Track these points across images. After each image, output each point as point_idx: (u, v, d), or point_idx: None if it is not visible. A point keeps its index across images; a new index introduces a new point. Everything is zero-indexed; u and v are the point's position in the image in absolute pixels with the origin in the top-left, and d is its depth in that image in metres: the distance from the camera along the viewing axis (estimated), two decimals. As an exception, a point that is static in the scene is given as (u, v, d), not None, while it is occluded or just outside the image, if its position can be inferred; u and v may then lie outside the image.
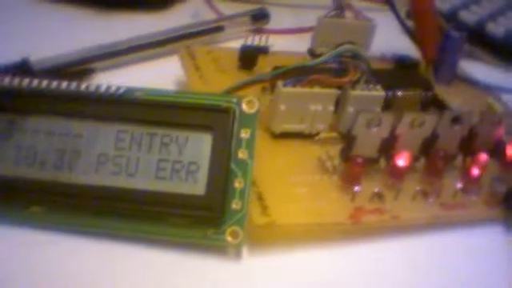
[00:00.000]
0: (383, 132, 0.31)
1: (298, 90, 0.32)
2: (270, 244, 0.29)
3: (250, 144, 0.28)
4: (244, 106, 0.29)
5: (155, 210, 0.28)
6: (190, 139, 0.28)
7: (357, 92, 0.33)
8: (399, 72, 0.41)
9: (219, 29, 0.45)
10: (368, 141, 0.31)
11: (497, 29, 0.48)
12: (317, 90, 0.32)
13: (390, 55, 0.43)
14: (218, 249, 0.28)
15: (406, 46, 0.43)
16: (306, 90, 0.32)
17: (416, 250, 0.30)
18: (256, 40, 0.40)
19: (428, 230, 0.31)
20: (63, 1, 0.48)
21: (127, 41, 0.41)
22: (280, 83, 0.32)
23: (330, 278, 0.28)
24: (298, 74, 0.33)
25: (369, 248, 0.30)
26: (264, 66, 0.38)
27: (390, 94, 0.35)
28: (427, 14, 0.40)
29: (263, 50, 0.39)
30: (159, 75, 0.39)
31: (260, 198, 0.29)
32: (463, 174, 0.33)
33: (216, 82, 0.36)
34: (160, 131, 0.28)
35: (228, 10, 0.48)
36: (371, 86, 0.34)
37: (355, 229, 0.30)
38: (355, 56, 0.33)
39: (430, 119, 0.31)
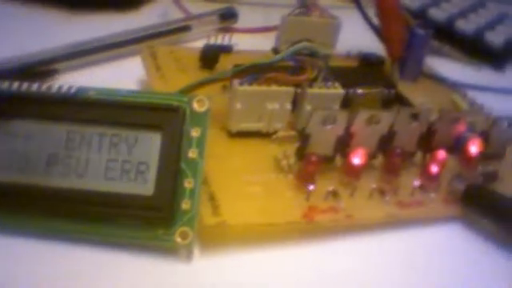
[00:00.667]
0: (338, 130, 0.30)
1: (255, 88, 0.32)
2: (223, 244, 0.29)
3: (201, 143, 0.28)
4: (195, 105, 0.29)
5: (105, 211, 0.27)
6: (139, 139, 0.28)
7: (314, 90, 0.33)
8: (363, 70, 0.41)
9: (186, 28, 0.44)
10: (323, 139, 0.30)
11: (466, 26, 0.48)
12: (273, 88, 0.32)
13: (356, 53, 0.42)
14: (168, 250, 0.28)
15: (372, 44, 0.43)
16: (263, 88, 0.32)
17: (373, 248, 0.30)
18: (220, 39, 0.39)
19: (386, 229, 0.31)
20: (31, 1, 0.48)
21: (91, 41, 0.41)
22: (236, 82, 0.32)
23: (283, 278, 0.28)
24: (255, 72, 0.33)
25: (324, 247, 0.29)
26: (226, 65, 0.37)
27: (349, 91, 0.34)
28: (392, 12, 0.40)
29: (226, 49, 0.39)
30: (123, 75, 0.39)
31: (212, 197, 0.29)
32: (422, 172, 0.33)
33: (176, 81, 0.36)
34: (109, 131, 0.28)
35: (197, 9, 0.48)
36: (329, 83, 0.33)
37: (309, 228, 0.29)
38: (312, 54, 0.33)
39: (386, 116, 0.31)
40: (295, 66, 0.33)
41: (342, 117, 0.30)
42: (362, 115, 0.30)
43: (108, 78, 0.38)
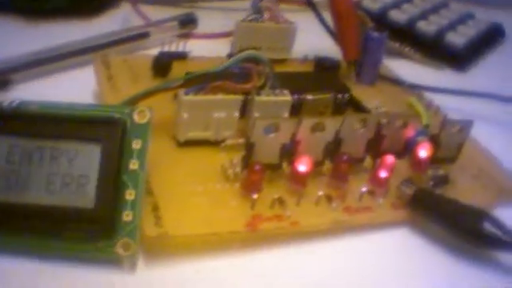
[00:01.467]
0: (283, 138, 0.30)
1: (200, 97, 0.32)
2: (167, 254, 0.29)
3: (142, 155, 0.28)
4: (135, 117, 0.28)
5: (47, 224, 0.27)
6: (79, 152, 0.28)
7: (262, 98, 0.33)
8: (319, 74, 0.40)
9: (144, 35, 0.44)
10: (267, 147, 0.30)
11: (427, 27, 0.48)
12: (219, 97, 0.32)
13: (313, 57, 0.42)
14: (112, 261, 0.28)
15: (330, 48, 0.43)
16: (209, 97, 0.32)
17: (320, 255, 0.30)
18: (175, 46, 0.39)
19: (334, 235, 0.31)
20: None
21: (47, 50, 0.41)
22: (181, 92, 0.32)
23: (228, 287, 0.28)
24: (202, 81, 0.33)
25: (270, 255, 0.29)
26: (180, 73, 0.37)
27: (298, 98, 0.34)
28: (346, 14, 0.40)
29: (180, 56, 0.39)
30: (79, 85, 0.39)
31: (155, 208, 0.29)
32: (371, 177, 0.33)
33: (128, 91, 0.35)
34: (50, 144, 0.28)
35: (159, 15, 0.48)
36: (277, 90, 0.33)
37: (252, 237, 0.29)
38: (258, 61, 0.32)
39: (330, 124, 0.31)
40: (241, 73, 0.33)
41: (286, 125, 0.30)
42: (307, 123, 0.30)
43: (63, 88, 0.38)
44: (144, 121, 0.29)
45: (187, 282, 0.28)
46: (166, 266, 0.28)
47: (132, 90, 0.34)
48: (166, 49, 0.40)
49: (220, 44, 0.45)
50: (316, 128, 0.30)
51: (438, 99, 0.42)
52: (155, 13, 0.48)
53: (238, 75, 0.33)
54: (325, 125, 0.31)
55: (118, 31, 0.44)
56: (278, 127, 0.30)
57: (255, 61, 0.33)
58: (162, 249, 0.28)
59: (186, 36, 0.46)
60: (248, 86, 0.32)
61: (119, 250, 0.27)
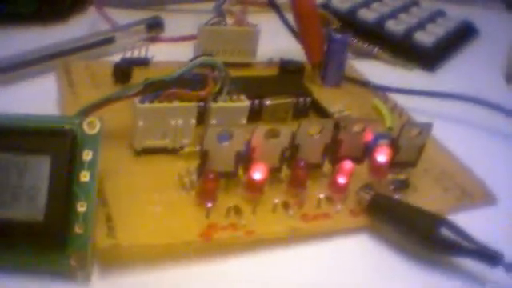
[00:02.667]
0: (237, 145, 0.30)
1: (155, 105, 0.32)
2: (122, 265, 0.28)
3: (93, 166, 0.28)
4: (85, 128, 0.28)
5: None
6: (28, 164, 0.28)
7: (218, 104, 0.33)
8: (281, 78, 0.40)
9: (109, 40, 0.44)
10: (222, 155, 0.30)
11: (396, 26, 0.48)
12: (175, 104, 0.32)
13: (278, 60, 0.42)
14: (65, 274, 0.27)
15: (296, 50, 0.43)
16: (164, 105, 0.32)
17: (278, 263, 0.30)
18: (138, 52, 0.39)
19: (292, 243, 0.31)
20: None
21: (9, 57, 0.40)
22: (136, 100, 0.32)
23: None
24: (160, 88, 0.32)
25: (225, 264, 0.29)
26: (141, 79, 0.37)
27: (257, 103, 0.34)
28: (308, 16, 0.40)
29: (142, 62, 0.39)
30: (41, 93, 0.39)
31: (108, 219, 0.29)
32: (330, 183, 0.32)
33: (88, 98, 0.35)
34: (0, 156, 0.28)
35: (126, 19, 0.47)
36: (235, 96, 0.33)
37: (208, 246, 0.29)
38: (213, 67, 0.32)
39: (284, 130, 0.30)
40: (197, 80, 0.32)
41: (239, 132, 0.30)
42: (260, 130, 0.30)
43: (27, 96, 0.38)
44: (94, 131, 0.28)
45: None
46: (120, 276, 0.28)
47: (93, 97, 0.34)
48: (129, 54, 0.40)
49: (187, 48, 0.44)
50: (270, 134, 0.30)
51: (404, 100, 0.42)
52: (122, 17, 0.48)
53: (194, 82, 0.33)
54: (279, 131, 0.30)
55: (84, 37, 0.44)
56: (231, 134, 0.29)
57: (211, 66, 0.32)
58: (117, 260, 0.28)
59: (152, 40, 0.45)
60: (203, 92, 0.32)
61: (72, 262, 0.27)
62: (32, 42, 0.42)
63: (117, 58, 0.41)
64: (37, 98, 0.38)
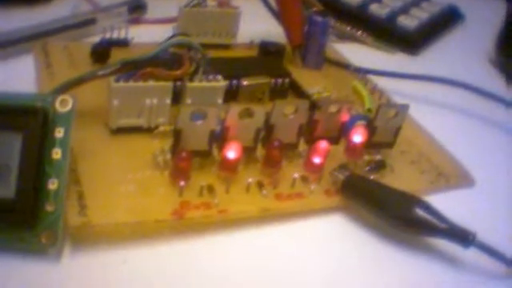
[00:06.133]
0: (210, 124, 0.30)
1: (131, 84, 0.32)
2: (94, 243, 0.28)
3: (64, 144, 0.28)
4: (57, 105, 0.28)
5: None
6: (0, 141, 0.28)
7: (194, 84, 0.33)
8: (261, 59, 0.40)
9: (91, 22, 0.44)
10: (196, 134, 0.30)
11: (380, 10, 0.48)
12: (150, 83, 0.32)
13: (259, 42, 0.42)
14: (36, 251, 0.27)
15: (278, 33, 0.42)
16: (139, 84, 0.32)
17: (250, 243, 0.30)
18: (117, 33, 0.39)
19: (265, 222, 0.30)
20: None
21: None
22: (111, 79, 0.31)
23: (153, 275, 0.28)
24: (136, 67, 0.32)
25: (198, 243, 0.29)
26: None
27: (234, 83, 0.34)
28: (288, -1, 0.40)
29: (121, 43, 0.39)
30: (19, 74, 0.39)
31: (80, 197, 0.29)
32: (305, 163, 0.32)
33: (64, 78, 0.35)
34: (-30, 134, 0.28)
35: (108, 1, 0.47)
36: (211, 76, 0.33)
37: (181, 224, 0.29)
38: (190, 47, 0.32)
39: (258, 110, 0.30)
40: (173, 60, 0.32)
41: (213, 112, 0.30)
42: (234, 109, 0.30)
43: (5, 77, 0.38)
44: (66, 109, 0.28)
45: (113, 271, 0.28)
46: (92, 255, 0.28)
47: (69, 77, 0.34)
48: (109, 35, 0.39)
49: (168, 30, 0.44)
50: (245, 114, 0.30)
51: (385, 83, 0.42)
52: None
53: (170, 62, 0.33)
54: (253, 111, 0.30)
55: (65, 18, 0.44)
56: (205, 114, 0.29)
57: (187, 47, 0.32)
58: (88, 238, 0.28)
59: (134, 22, 0.45)
60: (178, 72, 0.32)
61: (42, 239, 0.27)
62: (16, 23, 0.42)
63: (98, 39, 0.41)
64: (14, 79, 0.38)
